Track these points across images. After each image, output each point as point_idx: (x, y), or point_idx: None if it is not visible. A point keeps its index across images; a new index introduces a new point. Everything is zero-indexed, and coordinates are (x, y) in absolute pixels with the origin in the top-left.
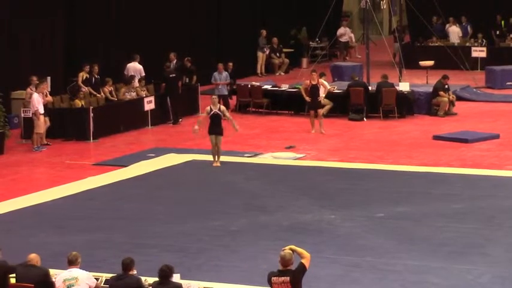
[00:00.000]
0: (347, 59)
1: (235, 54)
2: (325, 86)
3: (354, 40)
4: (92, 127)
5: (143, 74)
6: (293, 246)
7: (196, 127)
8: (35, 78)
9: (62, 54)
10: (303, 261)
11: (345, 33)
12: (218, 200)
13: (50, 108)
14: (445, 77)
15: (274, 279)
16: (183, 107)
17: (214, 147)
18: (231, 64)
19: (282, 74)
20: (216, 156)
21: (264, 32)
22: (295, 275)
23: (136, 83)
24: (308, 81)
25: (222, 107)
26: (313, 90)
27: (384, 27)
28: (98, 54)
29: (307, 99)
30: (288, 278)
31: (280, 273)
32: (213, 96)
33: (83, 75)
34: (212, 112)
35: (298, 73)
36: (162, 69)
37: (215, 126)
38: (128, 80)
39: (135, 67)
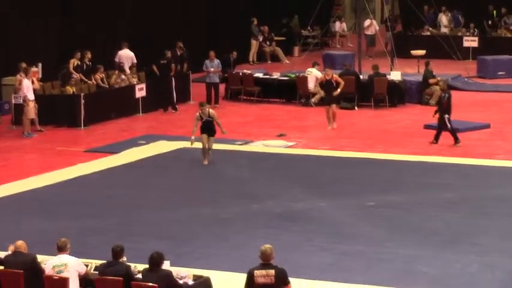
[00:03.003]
0: (370, 56)
1: (227, 42)
2: (318, 77)
3: (345, 29)
4: (83, 114)
5: (135, 61)
6: None
7: (192, 137)
8: (24, 65)
9: (54, 41)
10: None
11: (370, 25)
12: (209, 187)
13: (41, 94)
14: (428, 63)
15: (257, 272)
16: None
17: (205, 147)
18: (235, 53)
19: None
20: (207, 156)
21: (255, 20)
22: (280, 273)
23: (127, 70)
24: (323, 76)
25: (212, 112)
26: (328, 85)
27: (376, 17)
28: (90, 41)
29: (323, 93)
30: (272, 271)
31: (263, 267)
32: (202, 107)
33: (74, 62)
34: (204, 119)
35: (290, 61)
36: (157, 57)
37: (208, 128)
38: (121, 68)
39: (127, 54)
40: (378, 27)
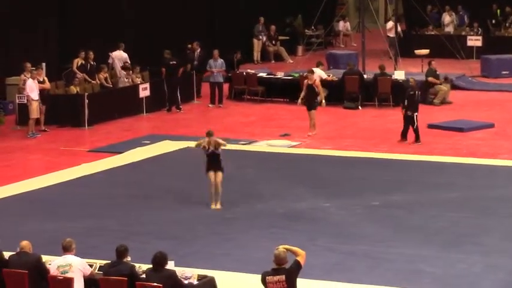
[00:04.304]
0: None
1: (231, 42)
2: (322, 76)
3: (349, 29)
4: (86, 114)
5: (128, 62)
6: (287, 246)
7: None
8: (29, 65)
9: (56, 41)
10: (298, 258)
11: (393, 27)
12: None
13: (45, 94)
14: (430, 63)
15: (268, 278)
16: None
17: (212, 186)
18: (239, 55)
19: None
20: (215, 198)
21: (261, 20)
22: (291, 273)
23: (119, 71)
24: (306, 81)
25: (218, 142)
26: (309, 90)
27: (379, 16)
28: (92, 41)
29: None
30: (283, 277)
31: (274, 272)
32: (209, 137)
33: (78, 61)
34: (209, 151)
35: (294, 61)
36: (157, 57)
37: (213, 163)
38: (126, 67)
39: (121, 55)
40: (399, 29)
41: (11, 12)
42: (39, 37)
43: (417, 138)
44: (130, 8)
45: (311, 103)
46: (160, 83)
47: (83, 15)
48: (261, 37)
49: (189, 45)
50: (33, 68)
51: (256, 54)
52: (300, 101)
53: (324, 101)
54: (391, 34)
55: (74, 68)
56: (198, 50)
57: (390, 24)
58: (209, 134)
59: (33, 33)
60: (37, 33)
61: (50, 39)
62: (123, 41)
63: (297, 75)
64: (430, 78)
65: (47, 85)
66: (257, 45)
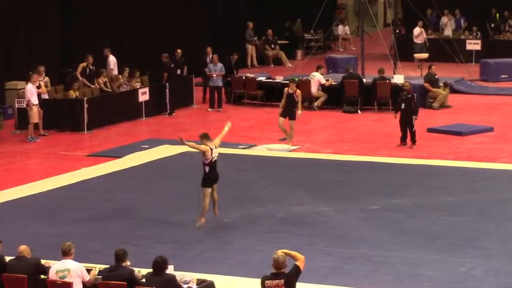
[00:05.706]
0: (420, 66)
1: (230, 46)
2: (321, 81)
3: (348, 33)
4: (86, 118)
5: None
6: (286, 250)
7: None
8: (42, 69)
9: (56, 46)
10: (297, 263)
11: (421, 33)
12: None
13: (44, 99)
14: (430, 67)
15: (267, 282)
16: (177, 98)
17: (208, 199)
18: (236, 57)
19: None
20: (211, 208)
21: (250, 24)
22: (290, 277)
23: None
24: (286, 89)
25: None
26: (289, 99)
27: (378, 20)
28: (92, 46)
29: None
30: (282, 281)
31: (274, 277)
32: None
33: (83, 65)
34: (213, 159)
35: (293, 65)
36: (156, 61)
37: (214, 172)
38: (130, 73)
39: (114, 60)
40: (425, 36)
41: (11, 16)
42: (39, 42)
43: (414, 141)
44: (129, 11)
45: (289, 112)
46: (161, 88)
47: (85, 21)
48: (253, 42)
49: (178, 50)
50: (31, 72)
51: (250, 59)
52: (280, 110)
53: (300, 111)
54: (419, 40)
55: (78, 72)
56: (211, 55)
57: (418, 30)
58: (205, 137)
59: (34, 38)
60: (37, 38)
61: (50, 44)
62: (121, 44)
63: (296, 79)
64: (426, 84)
65: (43, 90)
66: (250, 50)
